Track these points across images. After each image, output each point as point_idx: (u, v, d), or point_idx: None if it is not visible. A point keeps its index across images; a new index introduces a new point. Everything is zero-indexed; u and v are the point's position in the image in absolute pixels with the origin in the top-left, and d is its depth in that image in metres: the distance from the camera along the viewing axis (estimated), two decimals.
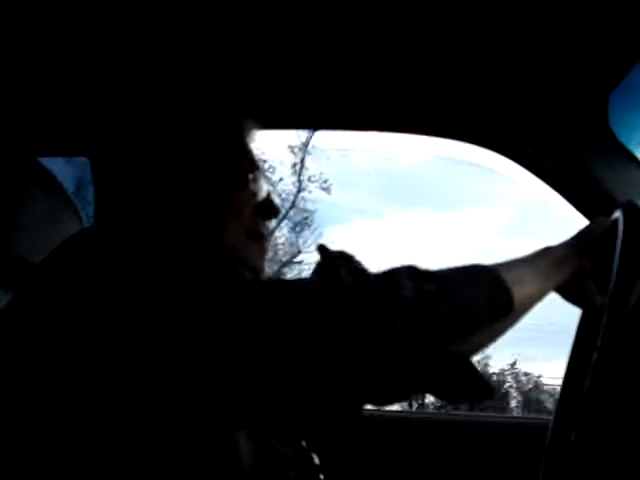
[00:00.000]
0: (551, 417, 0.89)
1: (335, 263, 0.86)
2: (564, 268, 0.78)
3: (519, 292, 0.70)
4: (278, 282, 0.66)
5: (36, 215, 1.03)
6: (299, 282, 0.67)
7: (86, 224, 1.07)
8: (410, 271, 0.67)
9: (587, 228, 0.86)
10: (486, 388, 0.69)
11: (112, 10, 1.01)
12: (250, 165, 0.83)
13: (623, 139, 1.15)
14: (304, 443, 0.87)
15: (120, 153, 0.77)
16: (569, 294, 0.86)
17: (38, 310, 0.64)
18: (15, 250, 1.00)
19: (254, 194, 0.82)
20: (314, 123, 1.37)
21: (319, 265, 0.90)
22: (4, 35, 1.08)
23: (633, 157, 1.16)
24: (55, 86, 1.22)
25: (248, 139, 0.83)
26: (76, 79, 1.19)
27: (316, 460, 0.87)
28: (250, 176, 0.82)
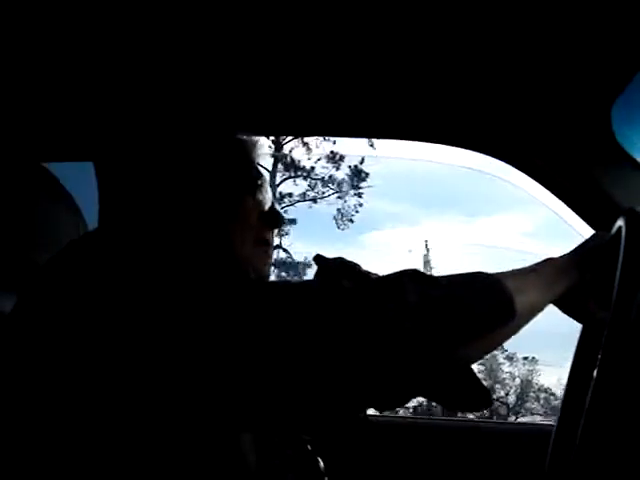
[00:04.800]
0: (554, 424, 0.89)
1: (334, 273, 0.86)
2: (565, 279, 0.78)
3: (521, 301, 0.71)
4: (283, 284, 0.66)
5: (41, 219, 1.03)
6: (304, 284, 0.67)
7: (89, 228, 1.08)
8: (414, 276, 0.67)
9: (588, 241, 0.86)
10: (485, 396, 0.69)
11: (121, 17, 1.02)
12: (257, 173, 0.83)
13: (627, 146, 1.15)
14: (309, 447, 0.87)
15: (125, 157, 0.77)
16: (570, 308, 0.86)
17: (43, 313, 0.64)
18: (20, 253, 1.00)
19: (261, 202, 0.83)
20: (328, 130, 1.38)
21: (316, 276, 0.89)
22: (9, 42, 1.09)
23: (637, 164, 1.16)
24: (60, 91, 1.23)
25: (254, 148, 0.84)
26: (82, 84, 1.19)
27: (321, 464, 0.87)
28: (259, 182, 0.83)
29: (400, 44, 1.07)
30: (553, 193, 1.29)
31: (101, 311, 0.61)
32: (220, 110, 0.85)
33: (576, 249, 0.84)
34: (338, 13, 1.00)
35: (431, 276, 0.69)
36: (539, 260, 0.80)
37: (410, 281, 0.66)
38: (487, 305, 0.69)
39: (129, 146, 0.77)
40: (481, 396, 0.66)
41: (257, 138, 0.85)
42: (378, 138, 1.41)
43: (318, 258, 0.88)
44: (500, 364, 11.59)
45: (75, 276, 0.65)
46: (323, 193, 11.36)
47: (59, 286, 0.65)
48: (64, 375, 0.60)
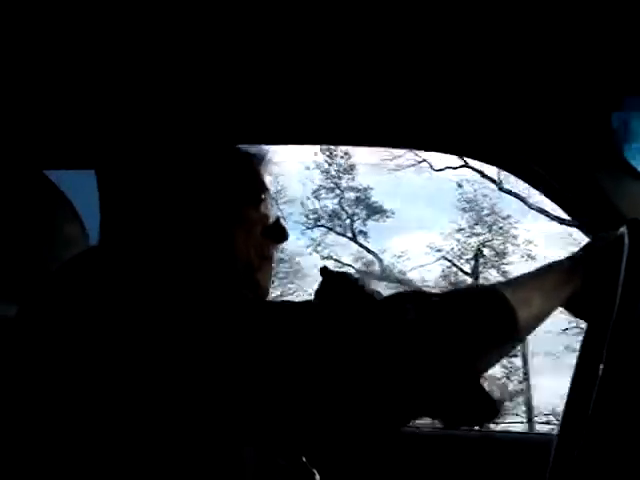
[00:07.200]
0: (555, 433, 0.89)
1: (337, 286, 0.86)
2: (569, 284, 0.78)
3: (525, 312, 0.70)
4: (283, 303, 0.67)
5: (41, 226, 1.03)
6: (304, 304, 0.68)
7: (91, 237, 1.07)
8: (414, 295, 0.68)
9: (591, 243, 0.86)
10: (493, 409, 0.68)
11: (125, 27, 1.02)
12: (262, 185, 0.83)
13: (627, 155, 1.15)
14: (304, 459, 0.86)
15: (127, 167, 0.77)
16: (574, 308, 0.86)
17: (48, 322, 0.64)
18: (21, 260, 1.00)
19: (265, 215, 0.83)
20: (322, 138, 1.38)
21: (320, 287, 0.89)
22: (11, 49, 1.09)
23: (637, 173, 1.16)
24: (63, 99, 1.23)
25: (261, 161, 0.84)
26: (85, 92, 1.19)
27: (317, 477, 0.87)
28: (262, 196, 0.82)
29: (399, 54, 1.07)
30: (552, 201, 1.29)
31: (105, 321, 0.61)
32: (224, 120, 0.85)
33: (580, 251, 0.84)
34: (340, 23, 1.00)
35: (431, 294, 0.69)
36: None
37: (410, 301, 0.66)
38: (487, 321, 0.68)
39: (131, 156, 0.77)
40: (488, 408, 0.65)
41: (265, 151, 0.85)
42: (377, 146, 1.42)
43: (324, 271, 0.88)
44: None
45: (80, 288, 0.65)
46: None
47: (63, 298, 0.66)
48: (67, 385, 0.60)
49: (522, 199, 7.00)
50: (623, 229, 0.79)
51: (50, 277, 0.70)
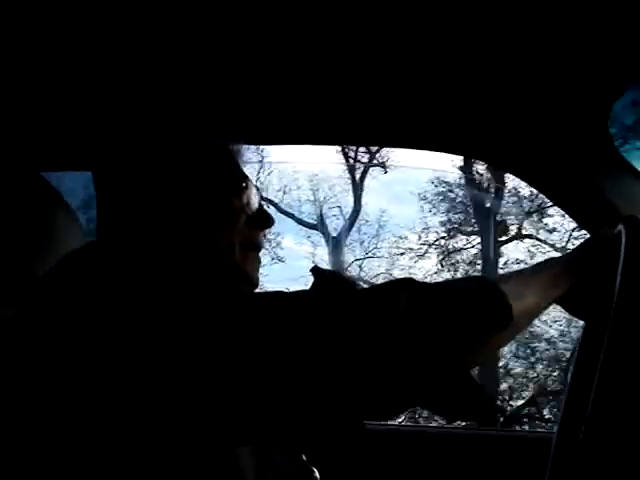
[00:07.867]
0: (555, 431, 0.89)
1: (328, 285, 0.85)
2: (565, 281, 0.78)
3: (519, 305, 0.70)
4: (277, 294, 0.66)
5: (39, 227, 1.03)
6: (298, 294, 0.67)
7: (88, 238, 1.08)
8: (407, 285, 0.67)
9: (588, 241, 0.86)
10: (486, 404, 0.68)
11: (122, 27, 1.02)
12: (242, 175, 0.83)
13: (625, 153, 1.15)
14: (304, 457, 0.86)
15: (123, 167, 0.77)
16: (572, 307, 0.86)
17: (43, 323, 0.64)
18: (17, 264, 1.00)
19: (248, 204, 0.83)
20: (323, 138, 1.39)
21: (313, 286, 0.88)
22: (9, 50, 1.09)
23: (635, 171, 1.16)
24: (60, 100, 1.23)
25: (238, 153, 0.84)
26: (81, 93, 1.20)
27: (317, 475, 0.86)
28: (243, 184, 0.83)
29: (401, 55, 1.07)
30: (552, 200, 1.29)
31: (101, 319, 0.61)
32: (211, 118, 0.85)
33: (577, 249, 0.84)
34: (337, 22, 1.00)
35: (424, 283, 0.68)
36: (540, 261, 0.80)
37: (402, 289, 0.66)
38: (481, 311, 0.68)
39: (127, 155, 0.77)
40: (481, 404, 0.65)
41: (240, 143, 0.85)
42: (372, 145, 1.42)
43: (315, 270, 0.87)
44: None
45: (75, 287, 0.65)
46: None
47: (59, 297, 0.66)
48: (65, 385, 0.60)
49: (292, 216, 7.33)
50: (620, 227, 0.79)
51: (47, 275, 0.70)
